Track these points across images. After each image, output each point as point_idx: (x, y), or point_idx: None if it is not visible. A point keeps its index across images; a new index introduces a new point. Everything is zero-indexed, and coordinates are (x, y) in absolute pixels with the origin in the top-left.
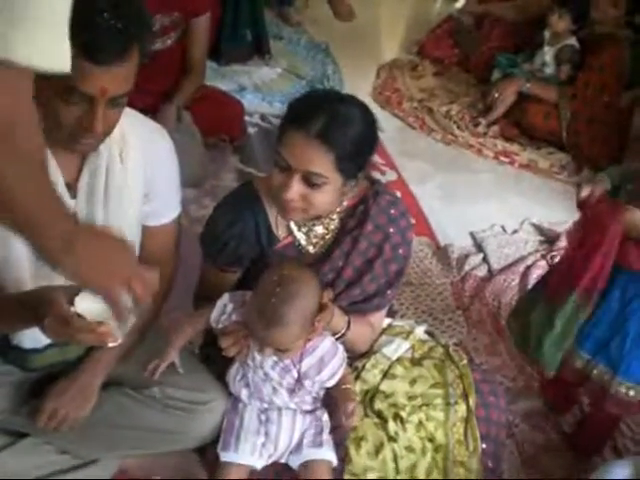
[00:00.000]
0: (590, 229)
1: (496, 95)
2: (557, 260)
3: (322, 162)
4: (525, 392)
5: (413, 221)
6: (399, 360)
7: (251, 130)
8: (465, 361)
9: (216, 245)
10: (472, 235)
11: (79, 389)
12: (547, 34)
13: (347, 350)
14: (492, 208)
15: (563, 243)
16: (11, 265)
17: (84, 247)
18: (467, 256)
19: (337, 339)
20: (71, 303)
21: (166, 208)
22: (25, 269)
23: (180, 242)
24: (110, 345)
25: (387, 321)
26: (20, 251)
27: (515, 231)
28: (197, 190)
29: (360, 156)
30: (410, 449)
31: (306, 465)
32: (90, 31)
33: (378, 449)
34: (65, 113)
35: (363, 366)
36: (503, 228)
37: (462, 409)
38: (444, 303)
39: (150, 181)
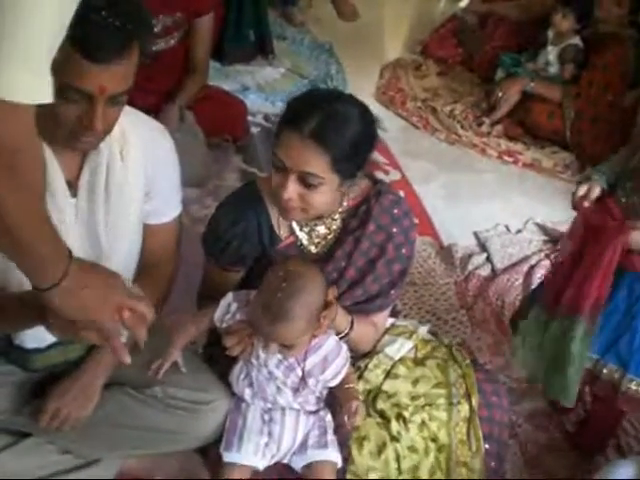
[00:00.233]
0: (592, 248)
1: (500, 94)
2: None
3: (317, 163)
4: (528, 392)
5: (416, 221)
6: (402, 360)
7: (254, 130)
8: (468, 361)
9: (218, 245)
10: (476, 235)
11: (81, 389)
12: (551, 33)
13: (350, 350)
14: (496, 208)
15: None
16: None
17: (75, 284)
18: (471, 256)
19: (340, 339)
20: None
21: (167, 207)
22: None
23: (181, 241)
24: None
25: (390, 321)
26: None
27: (519, 231)
28: (200, 190)
29: (358, 156)
30: (413, 449)
31: (310, 466)
32: (88, 29)
33: (380, 449)
34: (64, 111)
35: (366, 366)
36: (507, 228)
37: (465, 409)
38: (448, 303)
39: (151, 179)
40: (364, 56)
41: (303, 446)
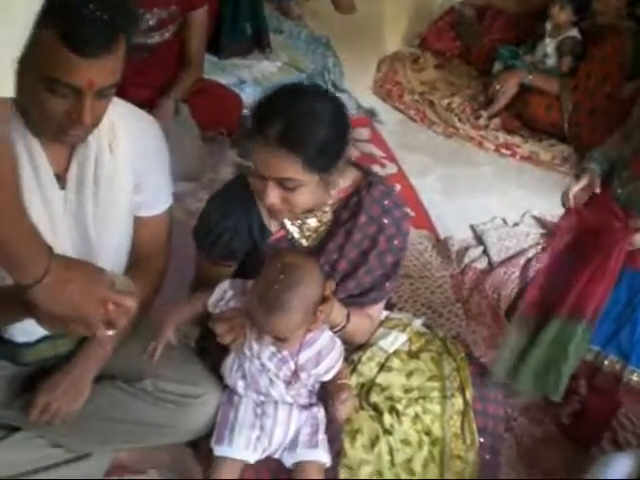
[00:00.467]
0: (594, 251)
1: (497, 87)
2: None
3: (289, 167)
4: None
5: (410, 212)
6: (396, 353)
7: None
8: (462, 354)
9: (209, 238)
10: (472, 228)
11: (71, 383)
12: (548, 26)
13: (345, 342)
14: (493, 201)
15: None
16: None
17: (57, 281)
18: (467, 249)
19: (337, 332)
20: None
21: (157, 199)
22: None
23: (172, 234)
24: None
25: (384, 314)
26: None
27: (516, 224)
28: (194, 183)
29: (332, 151)
30: (406, 442)
31: (299, 464)
32: (75, 23)
33: (374, 442)
34: (52, 105)
35: (359, 359)
36: (504, 221)
37: (459, 402)
38: (444, 296)
39: (140, 172)
40: (361, 49)
41: (294, 443)
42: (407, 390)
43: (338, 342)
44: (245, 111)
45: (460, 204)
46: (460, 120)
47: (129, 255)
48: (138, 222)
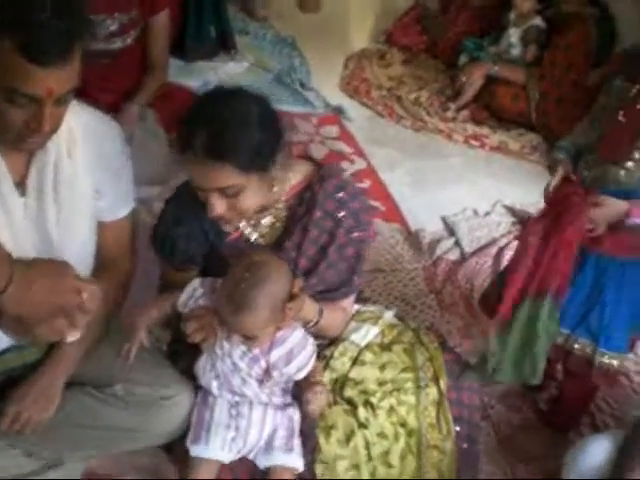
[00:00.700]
0: (557, 227)
1: (464, 79)
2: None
3: (224, 176)
4: None
5: (381, 206)
6: (368, 346)
7: None
8: (436, 343)
9: (166, 245)
10: (443, 219)
11: (41, 391)
12: (512, 15)
13: (320, 336)
14: (462, 191)
15: None
16: None
17: (23, 285)
18: (439, 240)
19: (311, 328)
20: None
21: (118, 203)
22: None
23: (138, 237)
24: (69, 339)
25: (355, 307)
26: None
27: (487, 213)
28: (161, 187)
29: (264, 151)
30: (382, 435)
31: (273, 468)
32: (32, 33)
33: (349, 437)
34: (12, 115)
35: (332, 354)
36: (475, 211)
37: (433, 392)
38: (417, 288)
39: (101, 175)
40: (328, 48)
41: (270, 445)
42: (381, 383)
43: (310, 340)
44: None
45: (430, 196)
46: (428, 114)
47: (95, 259)
48: (101, 226)
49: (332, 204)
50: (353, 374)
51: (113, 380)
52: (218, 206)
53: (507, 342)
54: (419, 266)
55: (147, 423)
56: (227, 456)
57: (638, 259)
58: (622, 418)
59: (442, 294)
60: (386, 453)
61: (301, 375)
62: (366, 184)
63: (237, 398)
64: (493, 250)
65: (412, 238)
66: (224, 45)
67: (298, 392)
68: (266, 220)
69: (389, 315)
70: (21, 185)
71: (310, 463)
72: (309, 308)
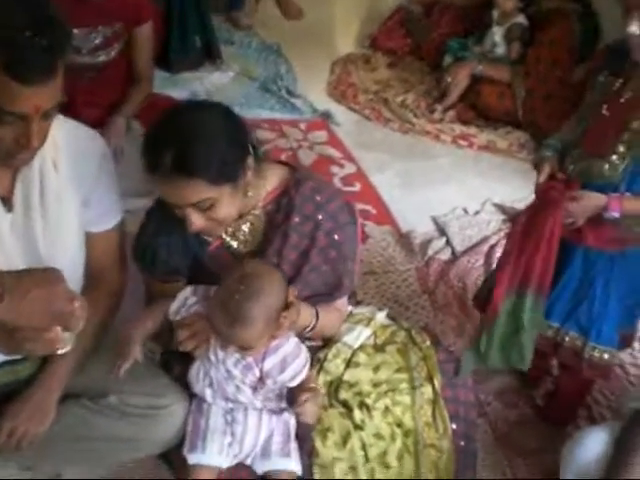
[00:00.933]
0: (534, 224)
1: (449, 80)
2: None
3: (194, 192)
4: (496, 370)
5: (372, 209)
6: (361, 348)
7: None
8: (428, 342)
9: (147, 258)
10: (434, 219)
11: (36, 405)
12: (495, 14)
13: (315, 338)
14: (452, 191)
15: None
16: None
17: (16, 297)
18: (430, 241)
19: (309, 331)
20: None
21: (105, 214)
22: None
23: (127, 248)
24: (60, 352)
25: (348, 309)
26: None
27: (477, 212)
28: (148, 199)
29: (231, 161)
30: (379, 436)
31: (271, 473)
32: (15, 52)
33: (345, 439)
34: (0, 134)
35: (325, 357)
36: (465, 210)
37: (428, 391)
38: (409, 289)
39: (87, 187)
40: (313, 54)
41: (267, 451)
42: (375, 384)
43: (304, 348)
44: None
45: (420, 197)
46: (415, 115)
47: (85, 270)
48: (89, 238)
49: (310, 207)
50: (347, 376)
51: (107, 391)
52: (195, 220)
53: (493, 332)
54: (411, 267)
55: (144, 432)
56: (225, 461)
57: (627, 253)
58: (618, 410)
59: (435, 294)
60: (383, 454)
61: (295, 383)
62: (356, 188)
63: (231, 405)
64: (484, 248)
65: (403, 239)
66: (209, 55)
67: (292, 399)
68: (244, 227)
69: (381, 316)
70: (7, 201)
71: (307, 467)
72: (305, 313)
